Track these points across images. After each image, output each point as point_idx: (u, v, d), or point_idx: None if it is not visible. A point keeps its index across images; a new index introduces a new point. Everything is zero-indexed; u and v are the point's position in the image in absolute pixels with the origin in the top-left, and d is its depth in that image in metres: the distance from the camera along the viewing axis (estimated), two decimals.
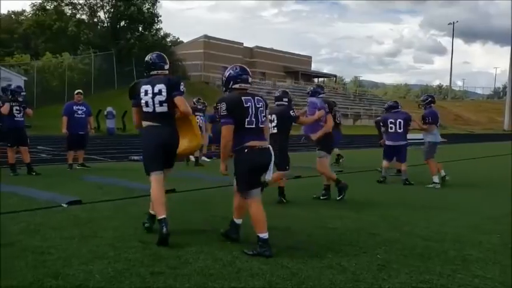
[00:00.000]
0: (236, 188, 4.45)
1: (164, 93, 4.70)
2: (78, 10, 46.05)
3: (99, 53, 38.47)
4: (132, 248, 4.33)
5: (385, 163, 9.60)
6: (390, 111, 9.57)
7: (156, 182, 4.68)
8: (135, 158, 12.77)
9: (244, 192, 4.36)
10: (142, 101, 4.72)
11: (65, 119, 10.31)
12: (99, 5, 45.51)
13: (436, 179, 9.08)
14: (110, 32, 44.28)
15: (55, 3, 45.43)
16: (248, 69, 4.62)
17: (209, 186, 8.27)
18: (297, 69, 59.34)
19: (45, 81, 31.21)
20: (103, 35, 44.10)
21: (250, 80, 4.52)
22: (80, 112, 10.41)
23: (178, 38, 59.33)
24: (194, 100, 12.55)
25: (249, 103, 4.36)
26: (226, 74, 4.54)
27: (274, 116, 6.60)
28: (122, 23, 45.20)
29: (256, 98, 4.47)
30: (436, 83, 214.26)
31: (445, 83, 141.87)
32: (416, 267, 4.08)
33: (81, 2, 45.67)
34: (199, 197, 7.25)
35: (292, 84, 54.40)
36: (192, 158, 12.11)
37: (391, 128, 9.38)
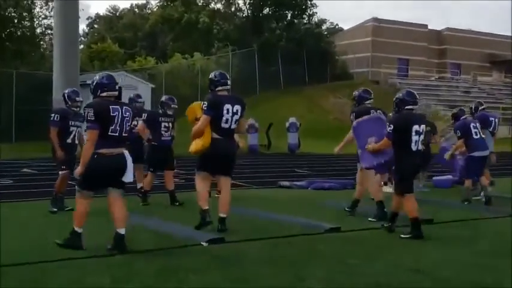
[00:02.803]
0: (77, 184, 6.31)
1: (239, 113, 7.15)
2: None
3: (237, 51, 40.28)
4: None
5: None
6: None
7: (201, 180, 7.36)
8: (286, 183, 13.16)
9: (81, 188, 6.21)
10: (224, 118, 7.01)
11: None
12: None
13: None
14: (250, 22, 46.23)
15: None
16: (114, 77, 6.39)
17: (475, 217, 8.93)
18: (509, 57, 55.64)
19: (175, 88, 33.64)
20: (242, 26, 46.15)
21: (117, 87, 6.25)
22: None
23: (336, 25, 60.09)
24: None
25: (116, 112, 6.02)
26: (94, 81, 6.25)
27: None
28: (266, 10, 46.96)
29: (124, 107, 6.17)
30: None
31: None
32: None
33: None
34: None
35: (502, 79, 51.25)
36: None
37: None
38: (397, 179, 7.62)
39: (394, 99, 7.61)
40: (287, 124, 24.70)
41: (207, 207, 7.28)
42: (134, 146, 10.34)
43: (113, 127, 6.02)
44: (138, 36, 52.01)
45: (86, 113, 6.04)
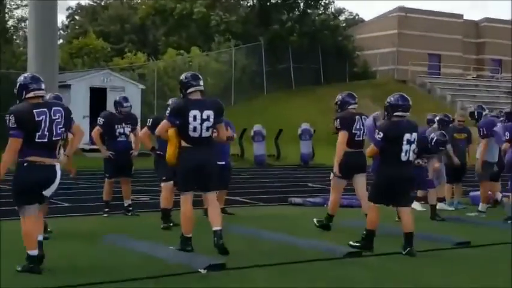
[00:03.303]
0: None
1: (212, 120, 7.31)
2: None
3: (242, 46, 40.26)
4: None
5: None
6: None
7: (186, 202, 7.39)
8: (297, 200, 13.13)
9: (20, 207, 6.31)
10: (191, 126, 7.19)
11: None
12: None
13: (482, 207, 11.28)
14: (256, 12, 46.29)
15: None
16: (39, 76, 6.63)
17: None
18: None
19: (169, 89, 33.62)
20: (247, 18, 46.19)
21: (43, 86, 6.43)
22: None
23: (356, 15, 60.32)
24: (429, 117, 12.61)
25: (42, 116, 6.22)
26: (17, 83, 6.48)
27: None
28: None
29: (53, 108, 6.37)
30: None
31: None
32: None
33: None
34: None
35: None
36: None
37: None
38: (374, 185, 7.96)
39: (385, 103, 7.87)
40: (299, 131, 24.59)
41: (190, 235, 7.44)
42: (119, 157, 10.40)
43: (39, 133, 6.21)
44: (126, 30, 52.09)
45: (7, 120, 6.20)
